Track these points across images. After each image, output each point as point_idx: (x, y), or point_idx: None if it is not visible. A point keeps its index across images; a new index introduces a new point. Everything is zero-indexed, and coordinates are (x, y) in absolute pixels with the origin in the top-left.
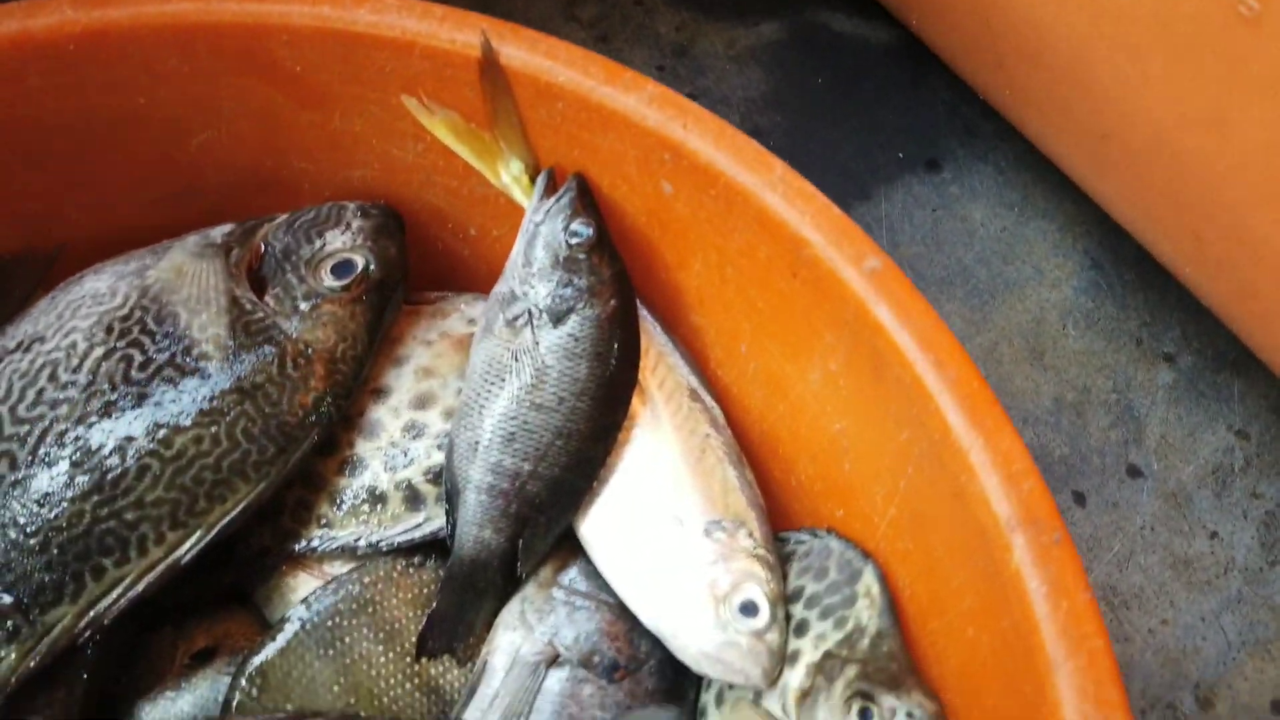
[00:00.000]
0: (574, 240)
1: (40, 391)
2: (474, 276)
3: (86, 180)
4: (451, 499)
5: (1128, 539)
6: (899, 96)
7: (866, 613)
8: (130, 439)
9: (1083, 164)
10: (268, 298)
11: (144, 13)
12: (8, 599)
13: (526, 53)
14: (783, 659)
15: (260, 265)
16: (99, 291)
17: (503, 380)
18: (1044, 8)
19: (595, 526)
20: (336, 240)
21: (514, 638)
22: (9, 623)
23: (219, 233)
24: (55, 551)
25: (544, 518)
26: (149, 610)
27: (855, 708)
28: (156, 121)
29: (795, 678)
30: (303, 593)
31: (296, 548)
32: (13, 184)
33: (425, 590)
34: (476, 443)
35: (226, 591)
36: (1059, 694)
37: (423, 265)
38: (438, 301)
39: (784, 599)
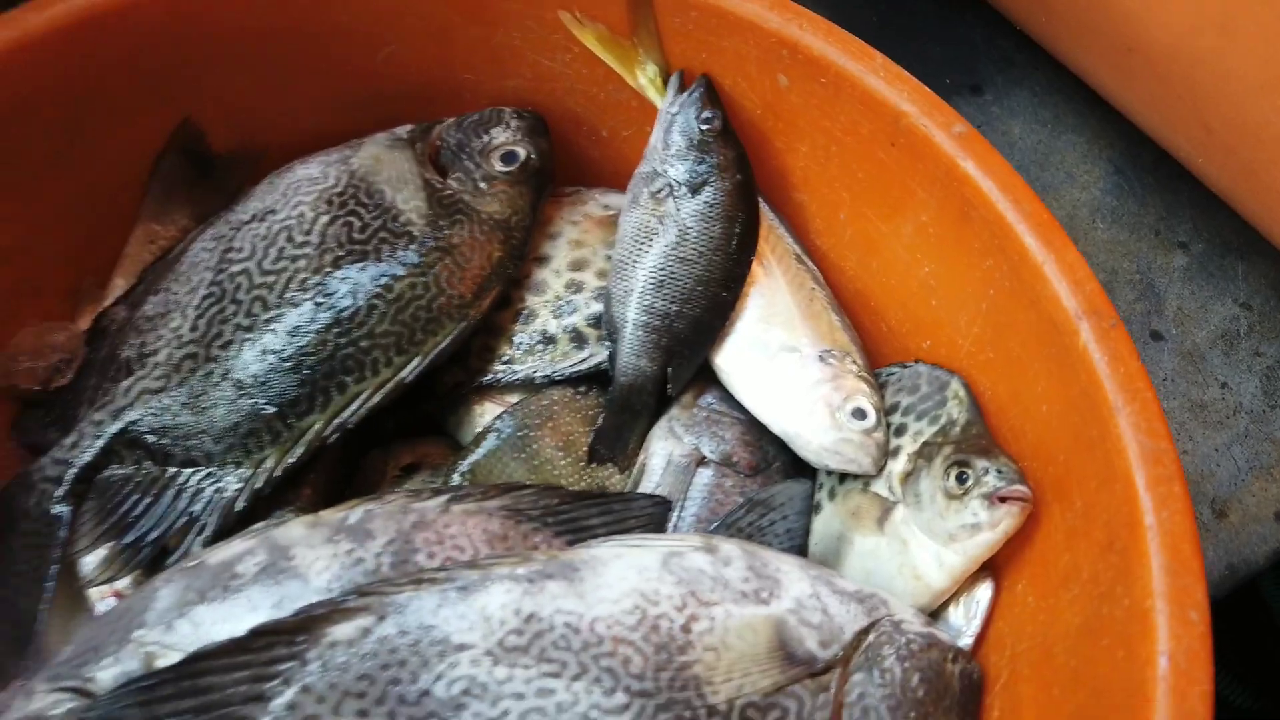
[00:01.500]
0: (705, 126)
1: (281, 249)
2: (603, 174)
3: (291, 86)
4: (612, 337)
5: None
6: (943, 32)
7: (956, 409)
8: (359, 284)
9: (1109, 77)
10: (451, 179)
11: None
12: (271, 409)
13: None
14: (887, 452)
15: (438, 156)
16: (312, 175)
17: (651, 240)
18: None
19: (729, 357)
20: (501, 136)
21: (667, 445)
22: (273, 427)
23: (403, 130)
24: (306, 371)
25: (688, 350)
26: (364, 440)
27: (953, 473)
28: (353, 35)
29: (898, 465)
30: (488, 419)
31: (484, 380)
32: (234, 90)
33: (591, 413)
34: (631, 290)
35: (424, 422)
36: (1120, 430)
37: (561, 165)
38: (574, 194)
39: (884, 409)
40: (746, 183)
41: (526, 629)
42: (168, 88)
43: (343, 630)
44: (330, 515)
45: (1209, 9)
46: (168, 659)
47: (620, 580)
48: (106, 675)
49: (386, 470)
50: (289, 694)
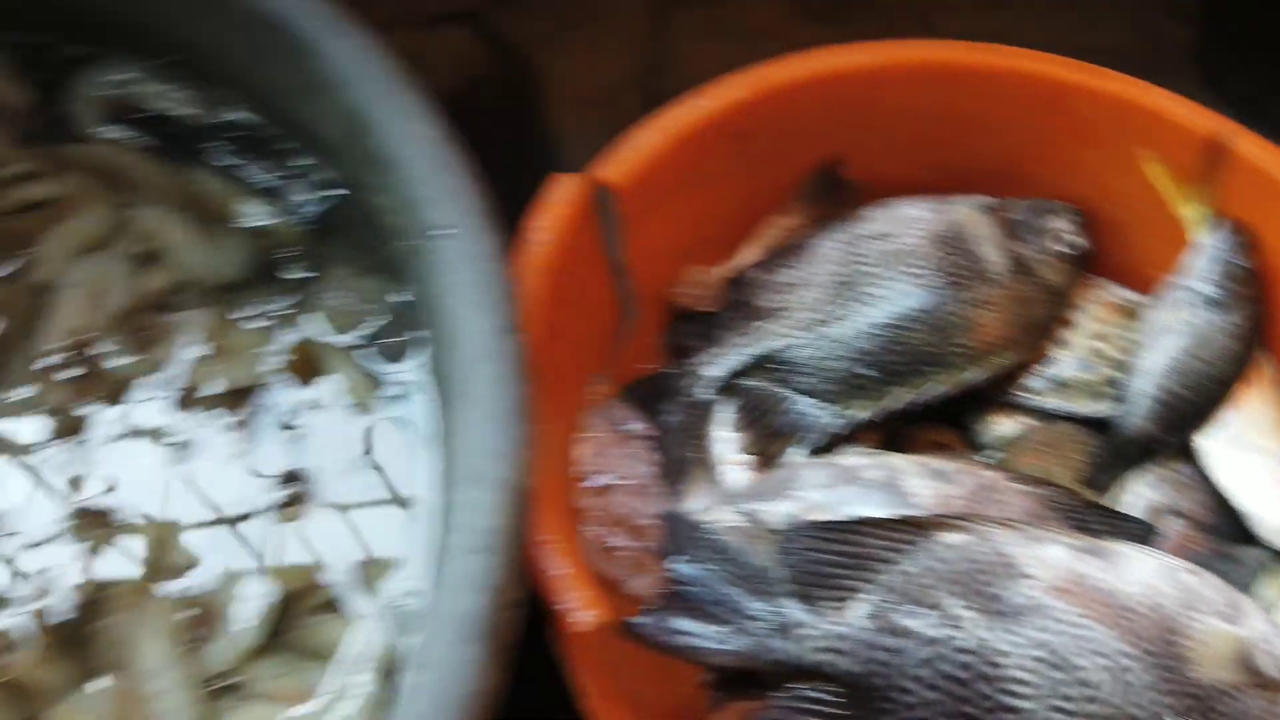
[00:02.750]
0: (1236, 263)
1: (897, 264)
2: (1116, 270)
3: (909, 147)
4: (1123, 399)
5: None
6: None
7: None
8: (951, 306)
9: None
10: (1022, 247)
11: (1008, 65)
12: (872, 374)
13: (1259, 151)
14: None
15: (1008, 226)
16: (921, 216)
17: (1176, 337)
18: None
19: (1209, 439)
20: (1060, 224)
21: (1143, 489)
22: (869, 388)
23: (987, 200)
24: (903, 357)
25: (1182, 425)
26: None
27: None
28: (965, 120)
29: None
30: (1005, 429)
31: (1008, 399)
32: (871, 142)
33: (1087, 447)
34: (1150, 371)
35: (952, 416)
36: None
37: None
38: (1095, 280)
39: None
40: (1257, 314)
41: (1075, 581)
42: (830, 134)
43: (950, 537)
44: (928, 460)
45: None
46: (817, 515)
47: (1139, 571)
48: (772, 512)
49: (918, 446)
50: (907, 564)
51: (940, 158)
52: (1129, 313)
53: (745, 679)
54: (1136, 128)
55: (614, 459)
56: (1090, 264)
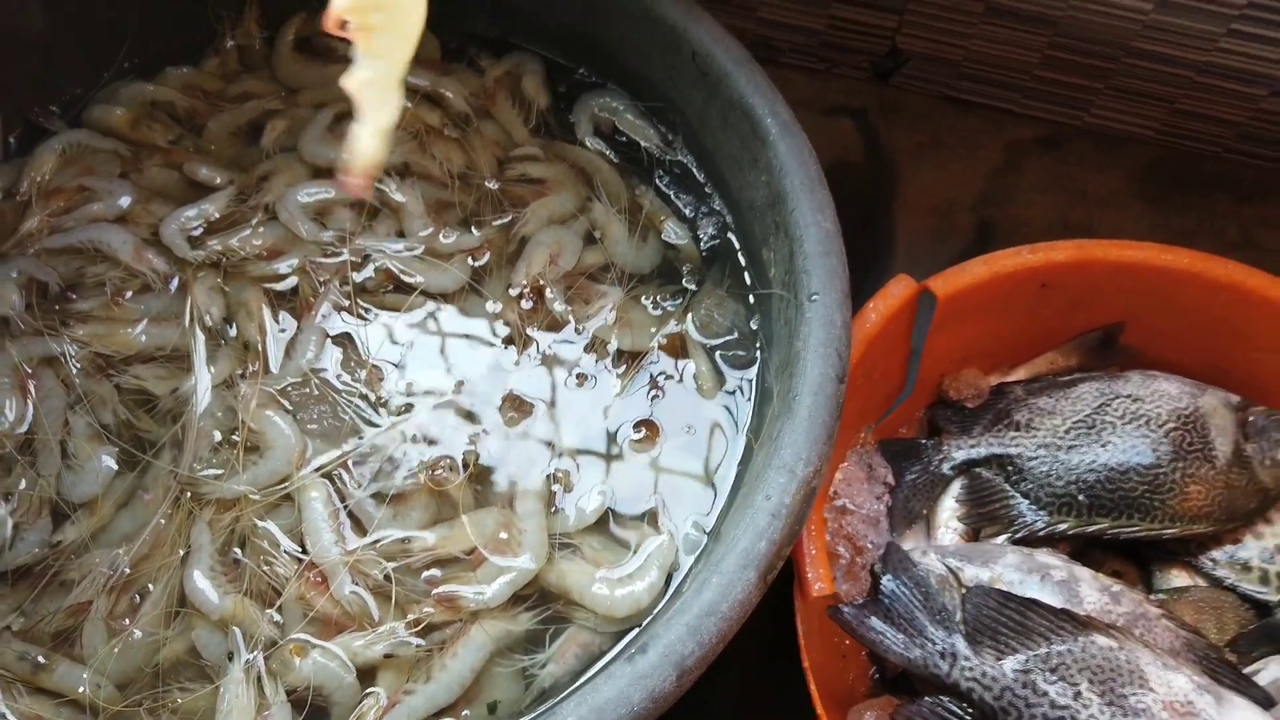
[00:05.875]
0: None
1: (1136, 423)
2: None
3: (1174, 334)
4: None
5: None
6: None
7: None
8: (1170, 474)
9: None
10: (1249, 446)
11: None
12: (1083, 499)
13: None
14: None
15: (1245, 426)
16: (1172, 393)
17: None
18: None
19: None
20: None
21: (1276, 669)
22: (1078, 509)
23: (1234, 398)
24: (1114, 495)
25: None
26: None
27: None
28: (1231, 332)
29: None
30: (1174, 580)
31: (1189, 558)
32: (1149, 325)
33: (1241, 615)
34: None
35: (1135, 556)
36: None
37: None
38: None
39: None
40: None
41: (1186, 706)
42: (1118, 306)
43: (1100, 639)
44: (1104, 578)
45: None
46: (1003, 586)
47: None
48: (969, 572)
49: (1101, 569)
50: (1058, 645)
51: (1205, 351)
52: None
53: (903, 681)
54: None
55: (857, 491)
56: None
